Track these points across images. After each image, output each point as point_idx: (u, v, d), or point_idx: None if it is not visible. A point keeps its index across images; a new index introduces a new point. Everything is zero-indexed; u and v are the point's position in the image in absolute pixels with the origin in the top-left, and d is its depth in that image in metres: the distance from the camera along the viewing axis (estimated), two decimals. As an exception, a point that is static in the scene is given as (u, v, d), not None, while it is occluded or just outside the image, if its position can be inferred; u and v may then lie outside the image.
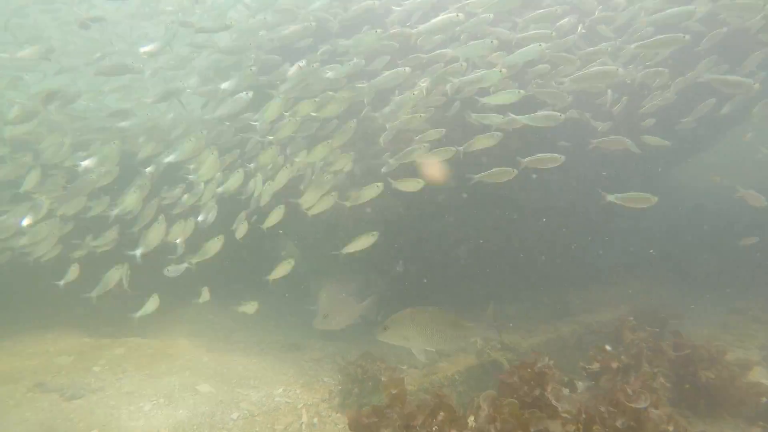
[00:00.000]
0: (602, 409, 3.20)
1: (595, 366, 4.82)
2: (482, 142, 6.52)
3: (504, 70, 6.38)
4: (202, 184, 7.45)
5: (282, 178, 7.26)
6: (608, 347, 5.03)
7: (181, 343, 8.13)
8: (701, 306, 8.04)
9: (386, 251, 7.78)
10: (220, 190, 7.35)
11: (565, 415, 3.17)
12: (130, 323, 9.65)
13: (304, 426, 5.59)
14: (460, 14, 6.84)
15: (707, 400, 4.54)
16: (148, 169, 7.49)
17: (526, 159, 6.38)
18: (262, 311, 10.67)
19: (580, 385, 4.78)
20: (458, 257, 7.81)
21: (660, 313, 6.90)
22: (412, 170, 7.13)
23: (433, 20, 6.99)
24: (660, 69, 6.97)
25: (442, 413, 3.26)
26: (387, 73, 6.96)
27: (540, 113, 6.43)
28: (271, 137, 7.28)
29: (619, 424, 3.12)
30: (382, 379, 5.62)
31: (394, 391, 3.43)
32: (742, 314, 7.18)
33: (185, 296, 10.70)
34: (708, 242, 9.59)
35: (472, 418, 3.64)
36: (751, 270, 8.54)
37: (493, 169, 6.31)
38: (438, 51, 7.20)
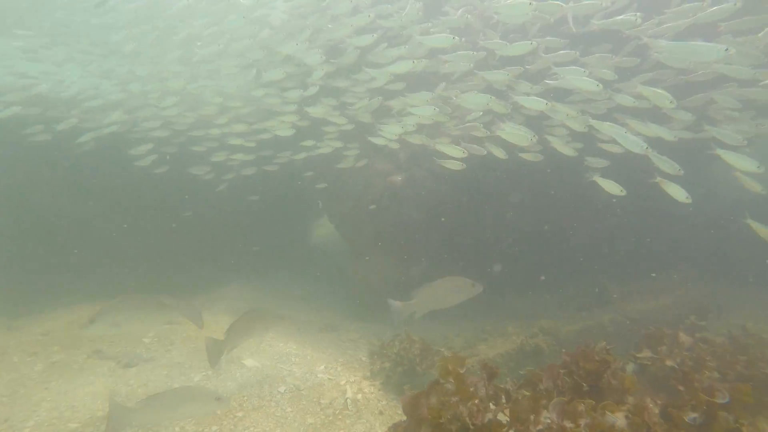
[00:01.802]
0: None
1: (646, 354, 4.80)
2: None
3: None
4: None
5: None
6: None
7: (223, 319, 8.37)
8: (745, 300, 7.91)
9: (427, 235, 7.84)
10: None
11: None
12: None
13: (349, 401, 5.74)
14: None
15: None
16: None
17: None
18: (299, 293, 10.97)
19: (629, 368, 4.79)
20: (499, 244, 7.81)
21: (703, 304, 6.84)
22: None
23: None
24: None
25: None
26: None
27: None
28: None
29: (689, 419, 3.10)
30: (435, 358, 5.71)
31: (450, 367, 3.46)
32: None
33: (226, 276, 11.12)
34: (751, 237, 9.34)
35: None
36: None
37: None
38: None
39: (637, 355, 4.90)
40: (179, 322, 7.62)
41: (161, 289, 10.16)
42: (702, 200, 6.73)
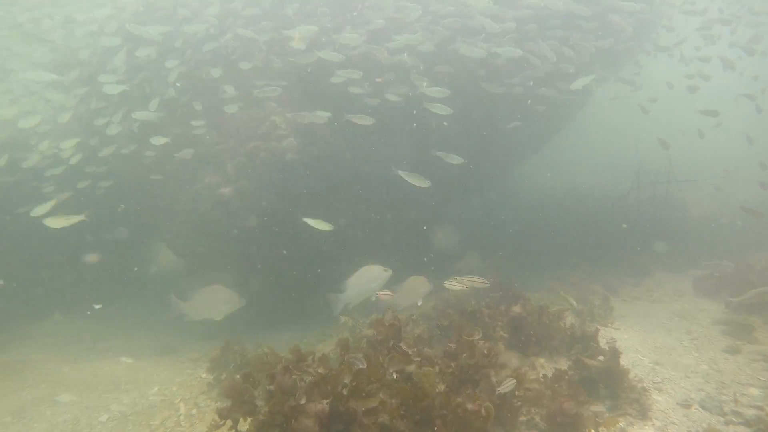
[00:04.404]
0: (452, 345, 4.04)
1: (445, 322, 5.74)
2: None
3: None
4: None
5: None
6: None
7: (35, 358, 7.43)
8: (534, 276, 9.67)
9: (260, 244, 8.01)
10: None
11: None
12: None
13: (182, 417, 5.61)
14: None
15: (535, 341, 5.69)
16: None
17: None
18: (134, 318, 10.17)
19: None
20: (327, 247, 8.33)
21: (504, 284, 8.22)
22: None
23: None
24: None
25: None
26: None
27: None
28: None
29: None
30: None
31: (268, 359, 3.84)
32: (562, 281, 8.91)
33: (38, 313, 9.77)
34: (543, 230, 11.46)
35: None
36: (569, 250, 10.49)
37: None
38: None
39: (440, 324, 5.86)
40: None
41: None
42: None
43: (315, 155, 7.65)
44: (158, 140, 7.45)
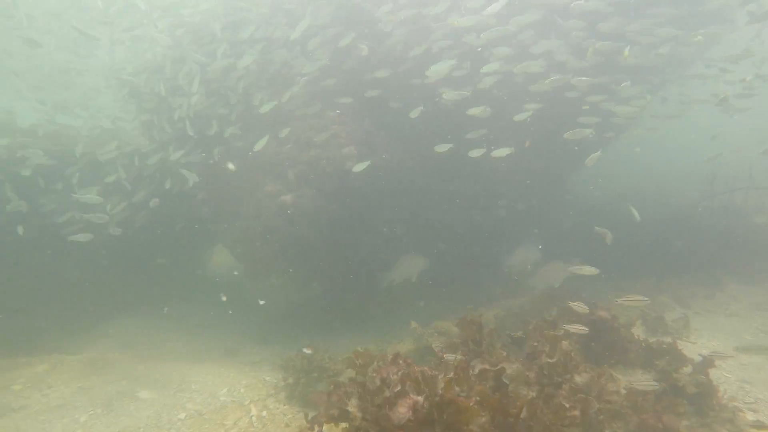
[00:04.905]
0: (535, 343, 3.97)
1: (519, 333, 5.62)
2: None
3: None
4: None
5: None
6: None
7: (111, 356, 7.81)
8: (597, 287, 9.33)
9: (321, 251, 8.13)
10: None
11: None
12: (47, 341, 9.13)
13: (254, 419, 5.75)
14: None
15: (608, 353, 5.50)
16: None
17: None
18: (196, 320, 10.54)
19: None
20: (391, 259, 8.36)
21: (565, 295, 7.98)
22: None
23: None
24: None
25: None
26: None
27: None
28: None
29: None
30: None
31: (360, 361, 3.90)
32: (627, 291, 8.57)
33: (109, 312, 10.30)
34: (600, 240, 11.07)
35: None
36: (633, 260, 10.08)
37: None
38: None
39: (513, 334, 5.73)
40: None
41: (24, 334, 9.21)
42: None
43: (375, 164, 7.72)
44: (189, 174, 8.35)
